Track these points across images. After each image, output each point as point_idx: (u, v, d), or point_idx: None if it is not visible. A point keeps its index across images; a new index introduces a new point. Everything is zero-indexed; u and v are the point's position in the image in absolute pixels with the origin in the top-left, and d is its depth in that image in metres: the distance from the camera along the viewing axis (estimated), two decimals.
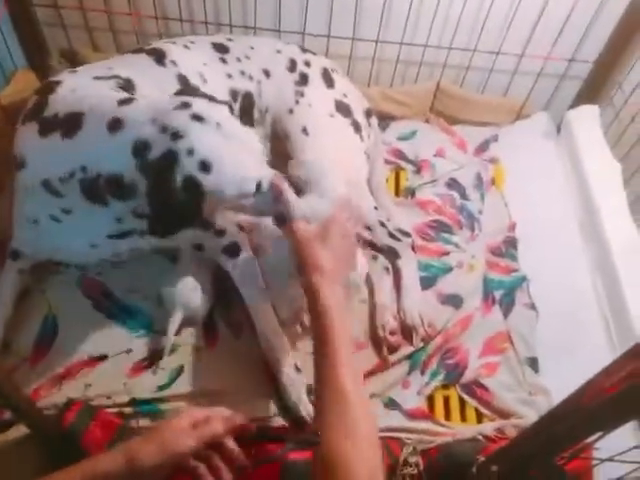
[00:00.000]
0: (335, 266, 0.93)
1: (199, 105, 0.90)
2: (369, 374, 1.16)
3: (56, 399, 1.07)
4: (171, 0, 1.55)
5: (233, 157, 0.90)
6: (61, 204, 1.00)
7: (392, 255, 1.29)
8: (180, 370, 1.13)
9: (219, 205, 0.96)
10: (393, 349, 1.18)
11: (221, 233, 1.16)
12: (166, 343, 1.13)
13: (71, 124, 0.94)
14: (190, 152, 0.86)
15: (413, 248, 1.31)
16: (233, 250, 1.17)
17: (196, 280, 1.17)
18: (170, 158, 0.86)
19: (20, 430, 0.97)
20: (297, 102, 1.33)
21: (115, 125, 0.89)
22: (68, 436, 0.98)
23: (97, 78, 1.07)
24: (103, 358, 1.14)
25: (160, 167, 0.86)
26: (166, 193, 0.87)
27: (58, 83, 1.05)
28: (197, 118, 0.88)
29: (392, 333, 1.18)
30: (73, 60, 1.67)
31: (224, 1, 1.54)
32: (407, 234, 1.32)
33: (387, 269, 1.29)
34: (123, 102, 0.93)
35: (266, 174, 0.93)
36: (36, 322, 1.16)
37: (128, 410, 1.07)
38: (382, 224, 1.29)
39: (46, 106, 1.01)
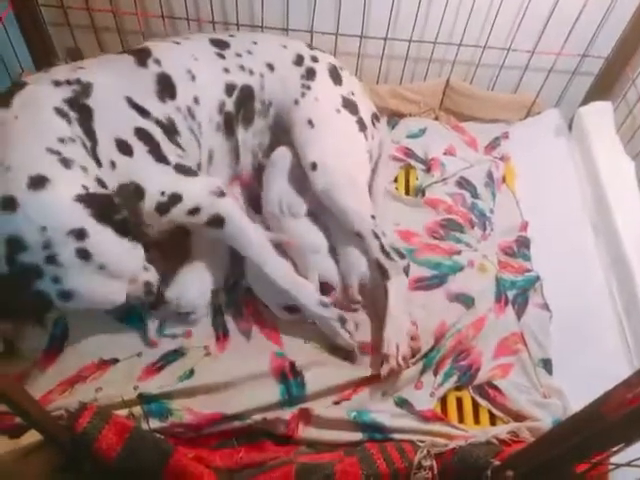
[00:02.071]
0: None
1: (94, 237, 0.91)
2: (369, 381, 1.15)
3: (67, 403, 1.06)
4: None
5: (99, 292, 0.94)
6: None
7: (380, 274, 1.22)
8: (190, 373, 1.12)
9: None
10: (413, 353, 1.16)
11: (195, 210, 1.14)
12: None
13: None
14: (56, 280, 0.89)
15: (406, 271, 1.25)
16: (217, 221, 1.15)
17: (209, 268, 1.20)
18: (35, 272, 0.88)
19: (34, 436, 0.96)
20: (303, 94, 1.32)
21: (8, 205, 0.88)
22: (80, 441, 0.97)
23: (56, 83, 1.06)
24: (114, 362, 1.14)
25: (22, 272, 0.88)
26: (11, 291, 0.89)
27: (22, 86, 1.04)
28: (83, 254, 0.90)
29: (412, 338, 1.16)
30: (78, 60, 1.66)
31: (231, 0, 1.52)
32: (402, 255, 1.26)
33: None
34: (36, 183, 0.89)
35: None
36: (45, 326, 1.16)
37: (138, 411, 1.07)
38: (376, 236, 1.22)
39: None
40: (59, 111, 1.02)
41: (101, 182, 1.00)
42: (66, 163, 0.95)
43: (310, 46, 1.42)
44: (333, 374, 1.14)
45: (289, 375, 1.12)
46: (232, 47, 1.31)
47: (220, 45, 1.30)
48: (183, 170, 1.13)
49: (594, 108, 1.59)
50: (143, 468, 0.99)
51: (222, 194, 1.16)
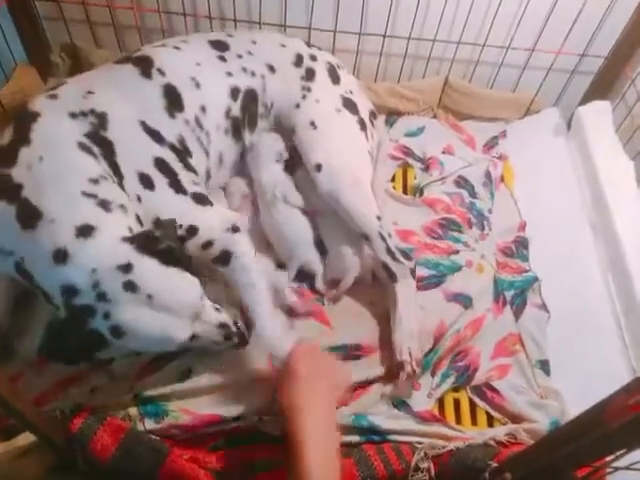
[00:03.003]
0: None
1: (139, 269, 0.90)
2: (374, 381, 1.14)
3: (62, 403, 1.06)
4: None
5: (153, 327, 0.92)
6: None
7: (388, 277, 1.21)
8: (188, 372, 1.11)
9: None
10: (413, 376, 1.14)
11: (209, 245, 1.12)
12: None
13: (29, 215, 0.92)
14: (106, 316, 0.89)
15: (413, 273, 1.24)
16: (224, 257, 1.13)
17: None
18: (87, 313, 0.89)
19: (29, 437, 0.96)
20: (304, 97, 1.30)
21: (59, 257, 0.89)
22: (75, 442, 0.97)
23: (72, 115, 1.03)
24: (110, 361, 1.13)
25: (77, 313, 0.89)
26: (69, 335, 0.90)
27: (35, 118, 1.01)
28: (130, 287, 0.89)
29: (417, 363, 1.14)
30: (74, 55, 1.65)
31: None
32: (408, 257, 1.24)
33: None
34: (83, 233, 0.90)
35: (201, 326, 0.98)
36: (41, 327, 1.14)
37: (133, 412, 1.06)
38: (382, 237, 1.20)
39: (15, 164, 0.96)
40: (84, 147, 1.00)
41: (138, 217, 1.01)
42: (105, 205, 0.95)
43: (308, 44, 1.41)
44: None
45: None
46: (232, 48, 1.28)
47: (220, 47, 1.27)
48: (200, 200, 1.11)
49: (593, 107, 1.58)
50: (138, 469, 0.99)
51: (236, 229, 1.14)
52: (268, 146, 1.33)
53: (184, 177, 1.12)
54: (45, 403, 1.06)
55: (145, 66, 1.17)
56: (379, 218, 1.23)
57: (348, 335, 1.20)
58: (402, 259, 1.21)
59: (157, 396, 1.08)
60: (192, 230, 1.07)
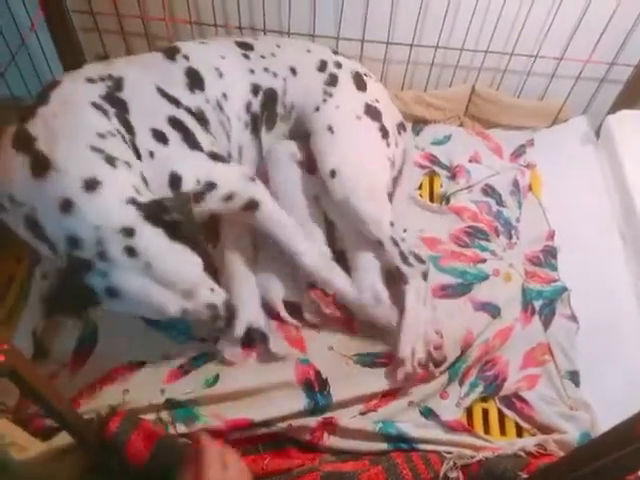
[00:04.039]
0: None
1: (141, 236, 0.93)
2: (401, 389, 1.15)
3: (95, 405, 1.08)
4: (205, 5, 1.56)
5: (145, 295, 0.94)
6: None
7: (399, 279, 1.21)
8: (216, 378, 1.13)
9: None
10: (439, 363, 1.15)
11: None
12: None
13: (42, 165, 0.95)
14: (104, 275, 0.92)
15: (425, 275, 1.24)
16: (251, 205, 1.18)
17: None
18: (86, 266, 0.92)
19: (65, 438, 0.98)
20: (324, 101, 1.32)
21: (66, 207, 0.92)
22: (110, 446, 0.99)
23: (90, 80, 1.08)
24: (141, 364, 1.15)
25: (75, 265, 0.92)
26: (65, 284, 0.93)
27: (57, 83, 1.06)
28: (130, 252, 0.92)
29: (437, 348, 1.15)
30: None
31: (258, 6, 1.53)
32: (421, 260, 1.24)
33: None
34: (89, 186, 0.93)
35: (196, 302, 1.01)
36: (76, 329, 1.18)
37: (165, 416, 1.08)
38: (395, 242, 1.21)
39: (32, 120, 1.00)
40: (97, 106, 1.04)
41: (143, 176, 1.03)
42: (111, 161, 0.98)
43: (335, 52, 1.42)
44: (359, 385, 1.13)
45: (315, 385, 1.12)
46: (256, 49, 1.32)
47: (245, 47, 1.32)
48: (216, 157, 1.15)
49: (623, 116, 1.57)
50: (171, 474, 1.00)
51: (253, 179, 1.19)
52: (282, 150, 1.34)
53: (200, 136, 1.15)
54: (78, 405, 1.09)
55: (171, 52, 1.22)
56: (392, 224, 1.24)
57: (374, 344, 1.21)
58: (414, 262, 1.22)
59: (188, 401, 1.09)
60: (210, 184, 1.11)
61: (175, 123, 1.12)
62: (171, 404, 1.09)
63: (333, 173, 1.24)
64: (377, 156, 1.32)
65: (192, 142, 1.12)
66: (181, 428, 1.07)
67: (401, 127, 1.43)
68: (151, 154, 1.06)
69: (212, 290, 1.06)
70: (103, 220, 0.92)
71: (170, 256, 0.96)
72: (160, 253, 0.94)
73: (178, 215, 0.97)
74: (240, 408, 1.09)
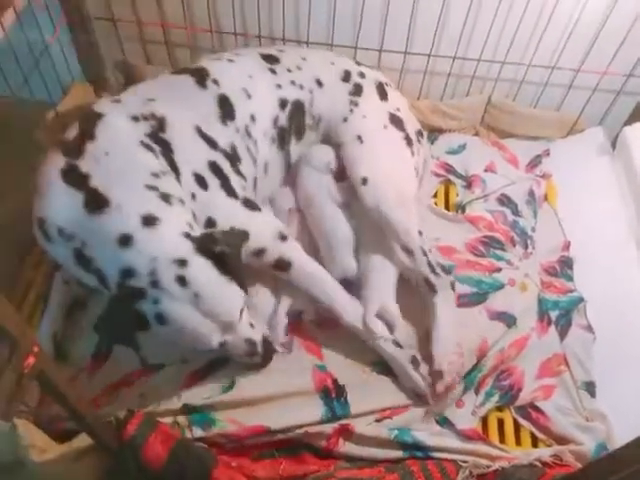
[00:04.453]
0: None
1: (193, 266, 0.96)
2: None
3: (113, 408, 1.09)
4: (225, 14, 1.58)
5: (192, 325, 0.97)
6: None
7: (428, 290, 1.22)
8: (232, 383, 1.14)
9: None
10: (459, 373, 1.15)
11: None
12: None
13: (98, 202, 0.98)
14: (155, 301, 0.95)
15: (453, 286, 1.25)
16: (283, 265, 1.19)
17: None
18: (139, 294, 0.95)
19: (83, 441, 0.99)
20: (351, 111, 1.34)
21: (125, 241, 0.96)
22: (128, 448, 0.99)
23: (134, 118, 1.10)
24: (159, 368, 1.16)
25: (128, 292, 0.95)
26: (117, 310, 0.98)
27: (99, 117, 1.07)
28: (181, 281, 0.95)
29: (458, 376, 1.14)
30: (127, 72, 1.71)
31: (277, 15, 1.55)
32: (448, 271, 1.26)
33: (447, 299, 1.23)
34: (148, 222, 0.97)
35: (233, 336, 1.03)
36: (94, 332, 1.18)
37: (182, 420, 1.09)
38: (424, 252, 1.23)
39: (82, 156, 1.02)
40: (146, 146, 1.07)
41: (193, 213, 1.06)
42: (166, 199, 1.02)
43: (358, 62, 1.44)
44: (377, 395, 1.14)
45: (332, 393, 1.13)
46: (282, 62, 1.34)
47: (271, 60, 1.33)
48: (249, 205, 1.17)
49: (639, 128, 1.57)
50: (188, 478, 1.01)
51: (284, 238, 1.19)
52: (318, 157, 1.36)
53: (235, 182, 1.17)
54: (96, 407, 1.09)
55: (201, 77, 1.23)
56: (420, 233, 1.26)
57: None
58: (442, 273, 1.23)
59: (204, 406, 1.10)
60: (244, 234, 1.12)
61: (214, 169, 1.14)
62: (187, 409, 1.09)
63: (364, 181, 1.26)
64: (405, 165, 1.35)
65: (228, 189, 1.14)
66: (198, 432, 1.08)
67: (420, 134, 1.44)
68: (193, 196, 1.09)
69: (252, 325, 1.08)
70: (159, 252, 0.95)
71: (217, 287, 0.99)
72: (208, 283, 0.97)
73: (227, 248, 0.99)
74: (257, 414, 1.10)
